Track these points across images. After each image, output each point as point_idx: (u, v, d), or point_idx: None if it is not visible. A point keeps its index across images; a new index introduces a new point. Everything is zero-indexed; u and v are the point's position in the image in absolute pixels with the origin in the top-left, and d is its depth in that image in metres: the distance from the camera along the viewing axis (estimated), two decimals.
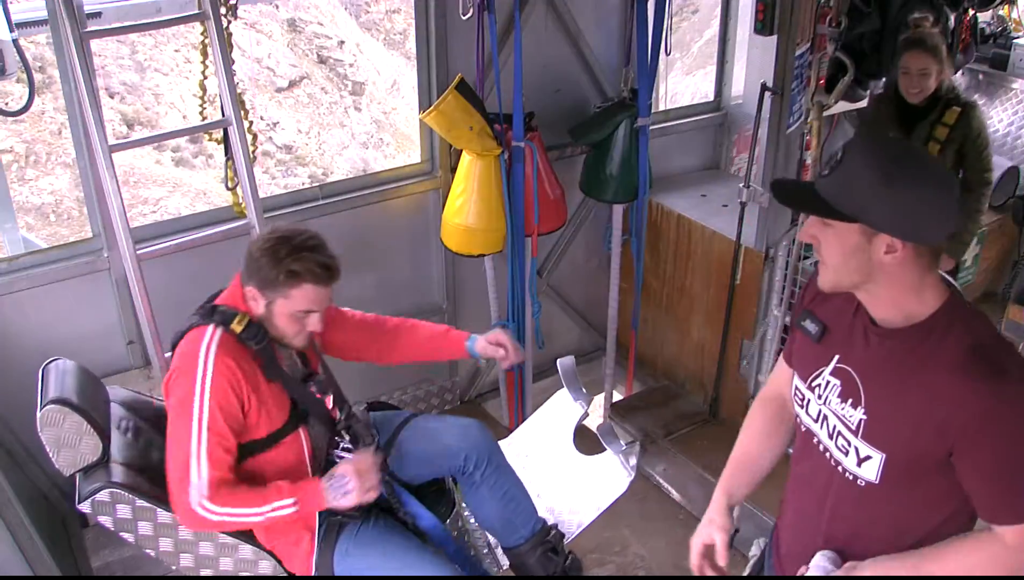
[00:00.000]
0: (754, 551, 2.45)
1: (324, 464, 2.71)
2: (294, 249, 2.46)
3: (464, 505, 3.05)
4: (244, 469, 2.54)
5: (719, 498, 2.22)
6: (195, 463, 2.40)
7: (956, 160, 4.19)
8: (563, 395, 3.16)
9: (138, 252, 3.29)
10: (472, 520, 3.09)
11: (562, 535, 3.06)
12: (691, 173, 5.30)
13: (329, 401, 2.75)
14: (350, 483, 2.51)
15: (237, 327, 2.51)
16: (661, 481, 4.33)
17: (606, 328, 5.03)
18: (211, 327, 2.52)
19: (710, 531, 2.18)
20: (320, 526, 2.63)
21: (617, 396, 5.27)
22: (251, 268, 2.52)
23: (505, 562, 3.08)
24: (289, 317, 2.53)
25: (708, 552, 2.18)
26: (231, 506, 2.43)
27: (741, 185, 4.17)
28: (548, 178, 4.23)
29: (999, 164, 5.32)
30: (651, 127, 4.43)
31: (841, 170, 1.73)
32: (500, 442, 3.34)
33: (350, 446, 2.77)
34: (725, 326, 4.53)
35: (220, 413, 2.43)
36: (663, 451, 4.45)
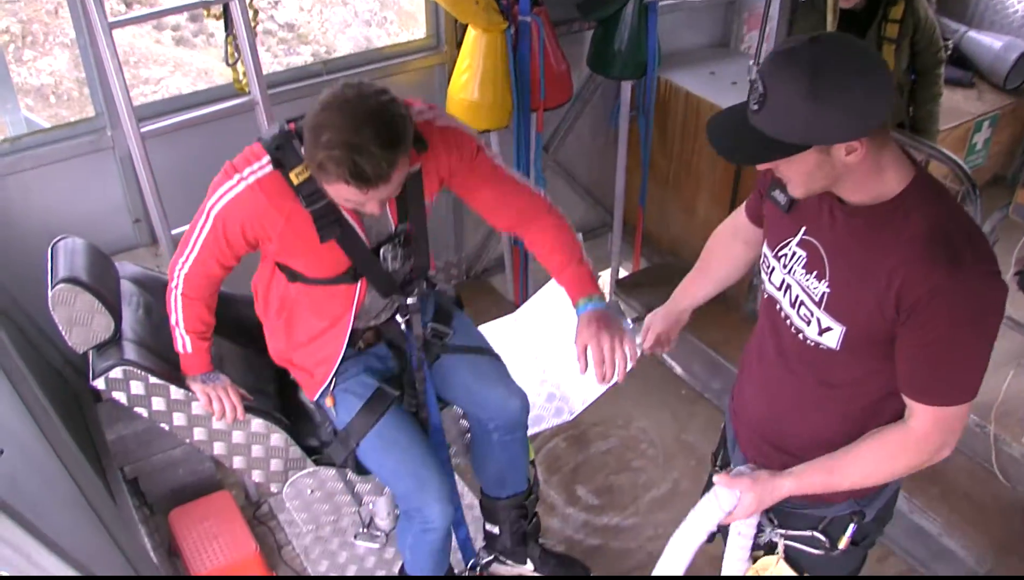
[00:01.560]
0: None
1: (374, 331, 2.72)
2: (331, 142, 2.02)
3: (468, 437, 3.08)
4: (292, 287, 2.54)
5: (674, 294, 2.49)
6: (183, 260, 2.46)
7: (912, 52, 4.11)
8: None
9: (141, 130, 3.26)
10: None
11: (537, 499, 3.18)
12: (700, 50, 5.19)
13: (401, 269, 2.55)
14: (203, 394, 2.62)
15: (295, 179, 2.26)
16: (665, 357, 4.39)
17: (612, 205, 5.03)
18: (266, 159, 2.28)
19: (654, 320, 2.48)
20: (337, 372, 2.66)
21: (623, 273, 5.31)
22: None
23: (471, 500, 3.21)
24: (336, 197, 2.25)
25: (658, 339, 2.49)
26: (178, 312, 2.54)
27: (750, 63, 4.09)
28: (554, 53, 4.17)
29: (1014, 45, 5.23)
30: (661, 3, 4.35)
31: (769, 103, 1.67)
32: (505, 318, 3.37)
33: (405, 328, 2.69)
34: (731, 205, 4.51)
35: (215, 244, 2.39)
36: None
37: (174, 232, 3.43)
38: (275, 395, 2.96)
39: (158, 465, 3.66)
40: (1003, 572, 3.40)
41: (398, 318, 2.68)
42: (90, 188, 3.72)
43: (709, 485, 2.21)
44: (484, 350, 2.88)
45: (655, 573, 2.27)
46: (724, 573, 2.29)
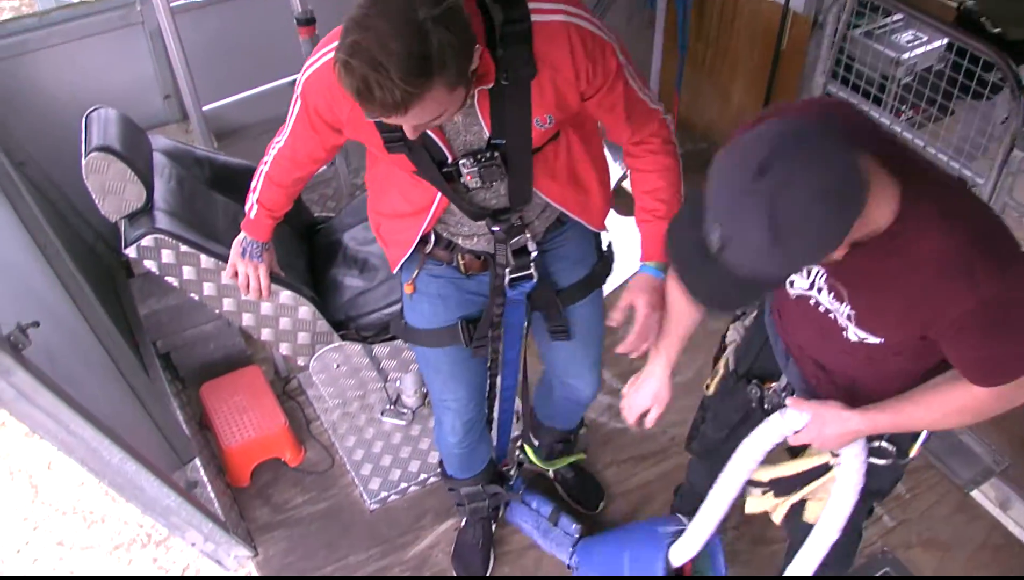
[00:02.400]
0: (732, 336, 2.47)
1: (481, 262, 2.42)
2: (351, 48, 1.66)
3: None
4: (383, 164, 2.28)
5: (664, 362, 2.30)
6: (278, 139, 2.34)
7: None
8: None
9: (171, 5, 3.23)
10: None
11: (583, 435, 3.32)
12: None
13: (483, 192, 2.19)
14: (233, 260, 2.63)
15: None
16: None
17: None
18: None
19: (652, 395, 2.32)
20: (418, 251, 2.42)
21: None
22: None
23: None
24: None
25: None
26: (258, 184, 2.45)
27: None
28: None
29: None
30: None
31: (732, 247, 1.50)
32: None
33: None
34: (767, 92, 4.43)
35: (302, 122, 2.18)
36: None
37: (205, 109, 3.43)
38: (304, 270, 2.98)
39: (189, 340, 3.72)
40: (1020, 469, 3.43)
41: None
42: (120, 64, 3.70)
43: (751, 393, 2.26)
44: (583, 314, 2.61)
45: (718, 488, 2.30)
46: (831, 510, 2.17)
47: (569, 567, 3.12)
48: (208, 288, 2.73)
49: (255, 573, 3.31)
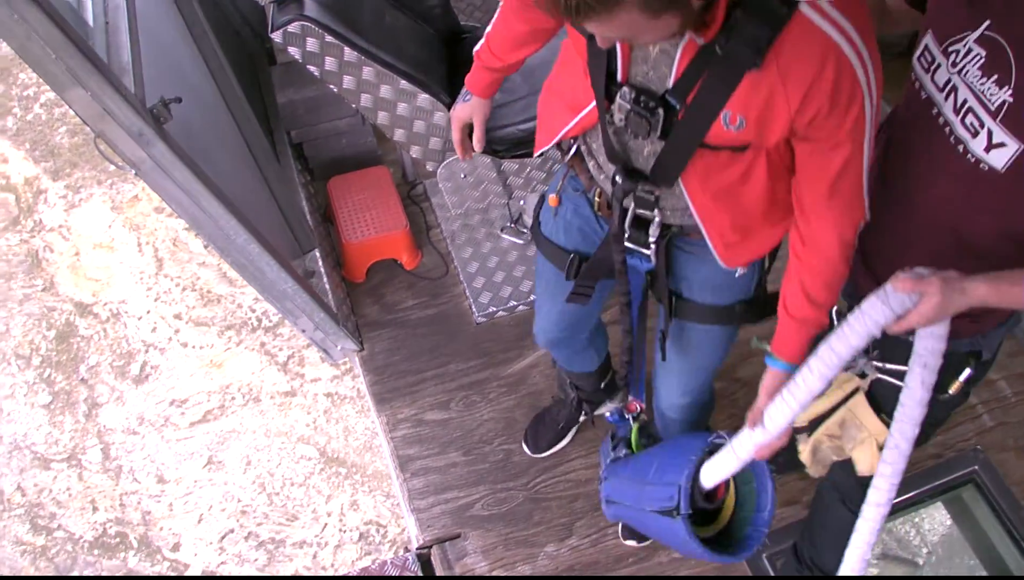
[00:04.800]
0: None
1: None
2: None
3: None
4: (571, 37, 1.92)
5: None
6: None
7: None
8: None
9: None
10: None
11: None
12: None
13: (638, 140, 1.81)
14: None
15: None
16: None
17: None
18: None
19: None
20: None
21: None
22: None
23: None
24: None
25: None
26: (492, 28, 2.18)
27: None
28: None
29: None
30: None
31: None
32: None
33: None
34: None
35: None
36: None
37: None
38: (444, 76, 2.95)
39: (323, 133, 3.75)
40: None
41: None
42: None
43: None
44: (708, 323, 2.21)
45: (777, 403, 1.85)
46: (897, 419, 1.81)
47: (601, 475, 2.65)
48: (348, 82, 2.73)
49: (358, 367, 3.43)
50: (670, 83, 1.63)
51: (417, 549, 3.03)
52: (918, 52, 1.73)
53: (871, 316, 1.67)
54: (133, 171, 2.31)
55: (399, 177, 3.81)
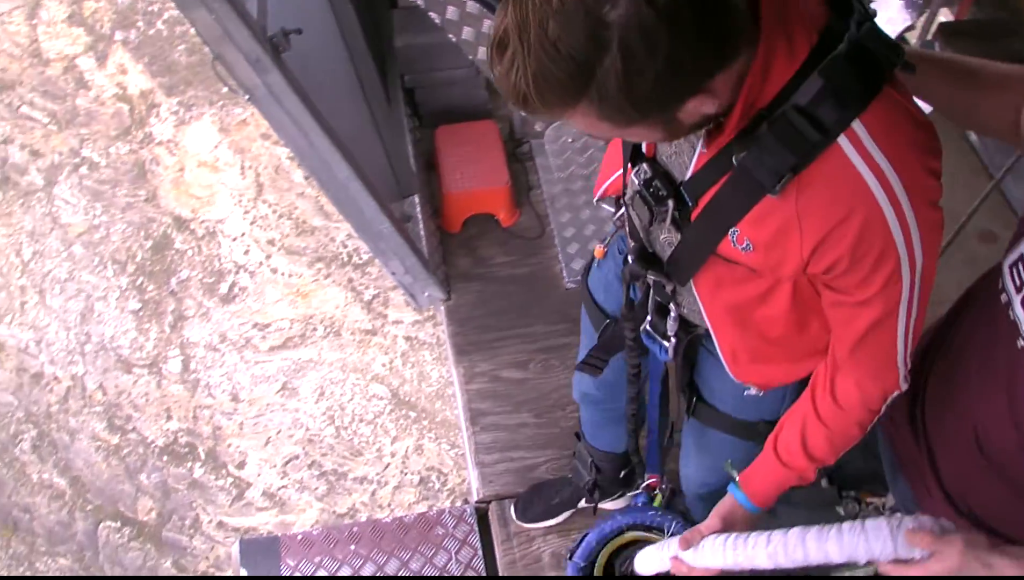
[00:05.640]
0: None
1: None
2: (501, 12, 1.15)
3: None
4: None
5: None
6: None
7: None
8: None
9: None
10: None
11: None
12: None
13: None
14: None
15: None
16: None
17: None
18: None
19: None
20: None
21: (946, 16, 4.87)
22: None
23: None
24: None
25: None
26: None
27: None
28: None
29: None
30: None
31: None
32: None
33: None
34: None
35: None
36: None
37: None
38: None
39: (437, 81, 3.75)
40: None
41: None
42: None
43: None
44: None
45: (748, 545, 1.62)
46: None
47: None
48: (467, 32, 2.74)
49: (442, 316, 3.45)
50: (687, 175, 1.45)
51: (476, 502, 3.05)
52: (1012, 257, 1.41)
53: (869, 542, 1.44)
54: (246, 96, 2.34)
55: (507, 133, 3.81)
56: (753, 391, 1.79)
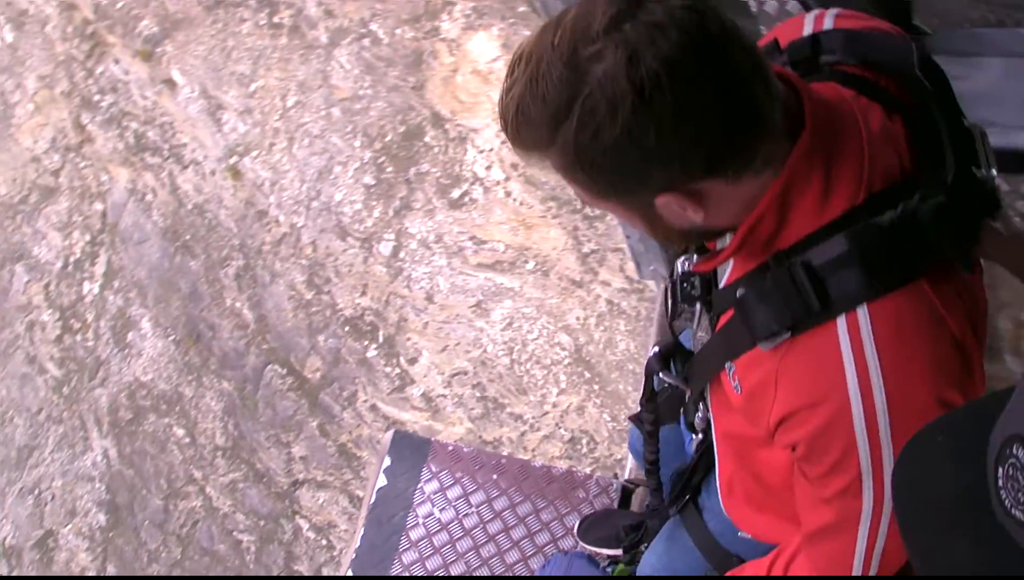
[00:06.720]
0: None
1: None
2: (513, 56, 1.09)
3: None
4: None
5: None
6: None
7: None
8: None
9: None
10: None
11: None
12: None
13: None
14: None
15: None
16: None
17: None
18: None
19: None
20: None
21: None
22: None
23: None
24: None
25: None
26: None
27: None
28: None
29: None
30: None
31: None
32: None
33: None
34: None
35: None
36: None
37: None
38: None
39: None
40: None
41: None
42: None
43: None
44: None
45: None
46: None
47: None
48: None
49: (658, 294, 3.35)
50: (722, 283, 1.31)
51: (625, 480, 2.96)
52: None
53: None
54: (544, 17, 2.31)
55: None
56: (748, 536, 1.63)
